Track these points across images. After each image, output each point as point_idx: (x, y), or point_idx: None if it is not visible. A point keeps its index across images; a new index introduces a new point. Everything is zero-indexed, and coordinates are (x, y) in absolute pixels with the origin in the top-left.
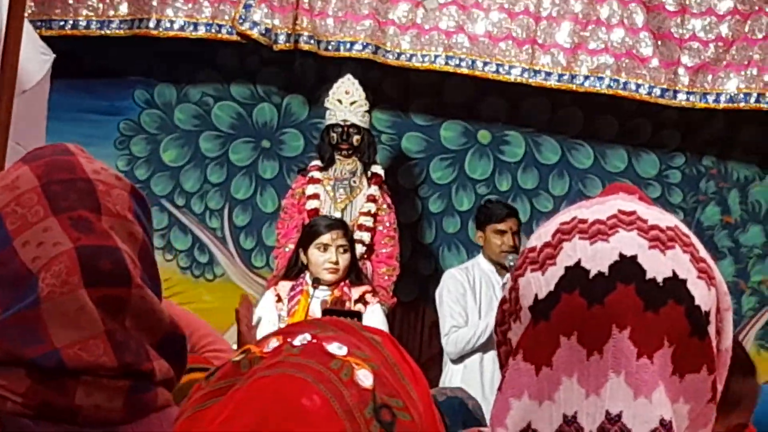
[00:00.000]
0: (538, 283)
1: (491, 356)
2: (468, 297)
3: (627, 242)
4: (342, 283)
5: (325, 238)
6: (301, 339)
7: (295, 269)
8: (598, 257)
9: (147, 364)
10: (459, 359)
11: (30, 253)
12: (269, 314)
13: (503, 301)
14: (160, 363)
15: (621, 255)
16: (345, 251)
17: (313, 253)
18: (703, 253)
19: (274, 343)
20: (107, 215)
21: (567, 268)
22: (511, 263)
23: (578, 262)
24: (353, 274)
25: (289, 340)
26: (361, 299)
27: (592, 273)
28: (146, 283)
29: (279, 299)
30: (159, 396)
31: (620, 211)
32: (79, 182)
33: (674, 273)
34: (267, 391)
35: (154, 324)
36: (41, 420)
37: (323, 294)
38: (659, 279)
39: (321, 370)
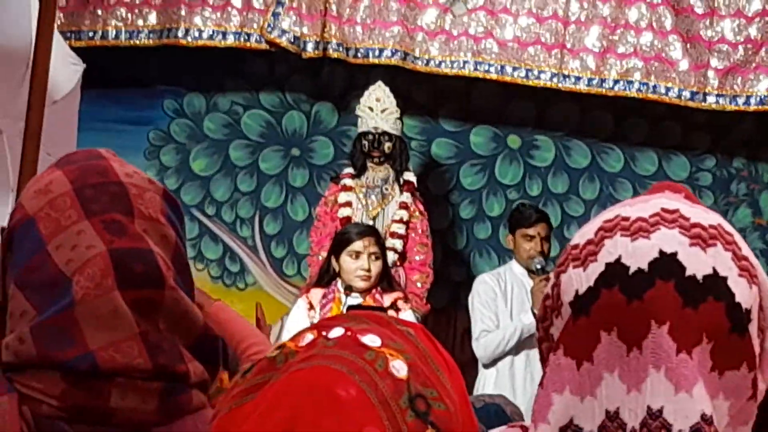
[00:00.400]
0: (579, 279)
1: (522, 358)
2: (499, 301)
3: (668, 239)
4: (374, 290)
5: (357, 245)
6: (335, 332)
7: (326, 276)
8: (638, 254)
9: (181, 366)
10: (491, 363)
11: (64, 257)
12: (301, 322)
13: (546, 297)
14: (195, 365)
15: (661, 252)
16: (377, 258)
17: (345, 261)
18: (746, 251)
19: (309, 337)
20: (140, 218)
21: (607, 265)
22: (537, 266)
23: (618, 259)
24: (385, 281)
25: (323, 333)
26: (393, 306)
27: (632, 269)
28: (179, 285)
29: (311, 307)
30: (194, 398)
31: (663, 209)
32: (112, 186)
33: (714, 270)
34: (302, 382)
35: (187, 326)
36: (76, 422)
37: (355, 301)
38: (699, 276)
39: (356, 361)
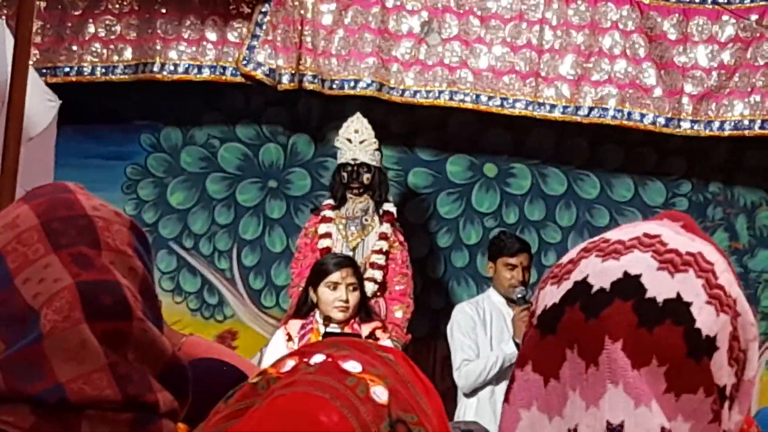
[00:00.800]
0: (551, 296)
1: (503, 388)
2: (479, 330)
3: (636, 262)
4: (352, 321)
5: (335, 276)
6: (316, 358)
7: (305, 308)
8: (604, 274)
9: (151, 396)
10: (472, 393)
11: (31, 290)
12: (280, 353)
13: (531, 314)
14: (164, 394)
15: (625, 273)
16: (354, 289)
17: (323, 292)
18: (725, 280)
19: (290, 363)
20: (107, 250)
21: (575, 283)
22: (519, 296)
23: (585, 278)
24: (363, 311)
25: (305, 359)
26: (372, 335)
27: (595, 288)
28: (147, 317)
29: (290, 338)
30: (164, 428)
31: (645, 234)
32: (79, 219)
33: (678, 295)
34: (284, 409)
35: (156, 356)
36: None
37: (334, 332)
38: (659, 299)
39: (337, 387)
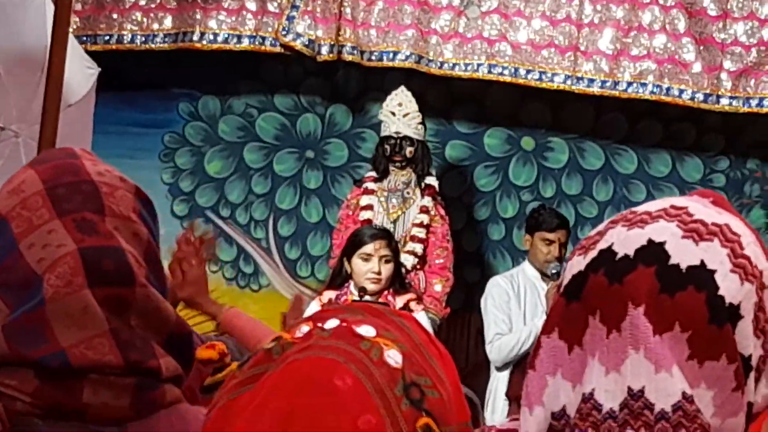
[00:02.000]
0: (577, 265)
1: None
2: (512, 304)
3: (660, 230)
4: (386, 292)
5: (368, 248)
6: (330, 323)
7: (339, 278)
8: (628, 241)
9: (153, 362)
10: (504, 366)
11: (35, 255)
12: None
13: (558, 287)
14: (167, 360)
15: (650, 240)
16: (387, 261)
17: (356, 263)
18: (752, 251)
19: (304, 328)
20: (111, 216)
21: (600, 251)
22: (553, 271)
23: (610, 246)
24: (397, 282)
25: (319, 324)
26: (406, 307)
27: (619, 255)
28: (151, 283)
29: None
30: (167, 393)
31: (672, 206)
32: (83, 184)
33: (702, 262)
34: (299, 373)
35: (159, 322)
36: (51, 419)
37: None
38: (683, 265)
39: (351, 351)
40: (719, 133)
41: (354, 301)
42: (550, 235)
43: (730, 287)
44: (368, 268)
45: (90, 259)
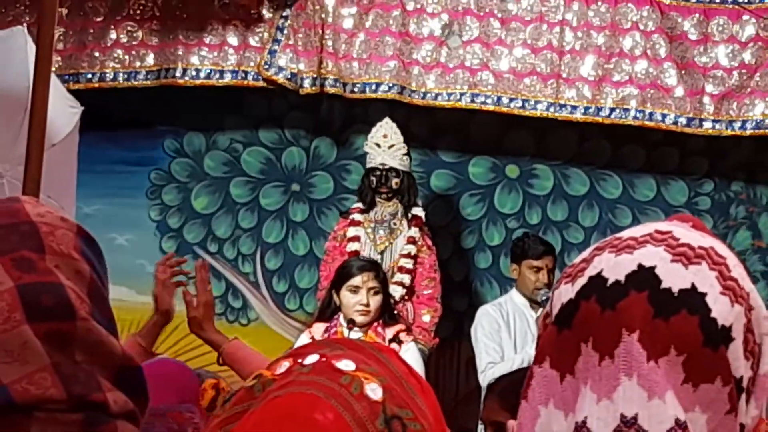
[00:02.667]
0: (567, 293)
1: None
2: (503, 332)
3: (650, 255)
4: (376, 324)
5: (357, 280)
6: (310, 358)
7: (328, 311)
8: (618, 267)
9: (98, 395)
10: None
11: None
12: None
13: (545, 315)
14: (115, 394)
15: (640, 265)
16: (376, 293)
17: (345, 295)
18: (738, 274)
19: (285, 365)
20: (51, 254)
21: (590, 278)
22: (543, 298)
23: (600, 272)
24: (386, 314)
25: (299, 360)
26: (395, 338)
27: (610, 281)
28: (96, 319)
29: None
30: (119, 428)
31: (656, 231)
32: (22, 225)
33: (693, 285)
34: (280, 410)
35: (105, 356)
36: None
37: (357, 335)
38: (675, 289)
39: (331, 386)
40: (703, 157)
41: (343, 333)
42: (537, 263)
43: (721, 310)
44: (357, 300)
45: (28, 295)
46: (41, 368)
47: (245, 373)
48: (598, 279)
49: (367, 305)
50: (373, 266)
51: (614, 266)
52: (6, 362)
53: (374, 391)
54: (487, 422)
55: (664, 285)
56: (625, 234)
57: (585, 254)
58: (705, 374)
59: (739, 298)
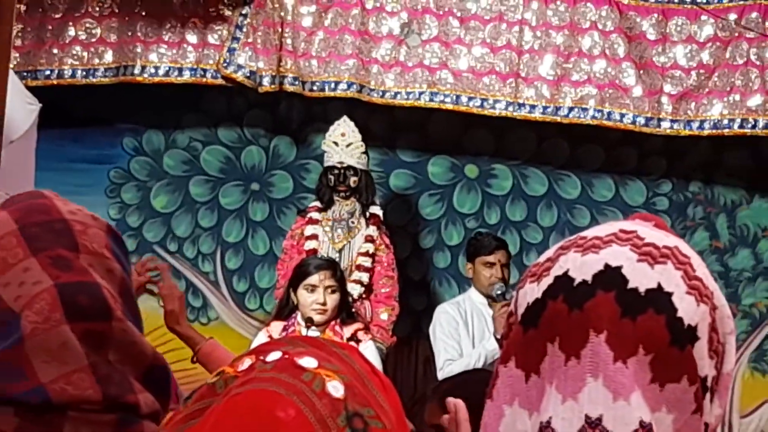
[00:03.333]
0: (532, 293)
1: None
2: (461, 330)
3: (615, 254)
4: (333, 322)
5: (313, 278)
6: (272, 355)
7: (286, 310)
8: (585, 267)
9: (131, 397)
10: None
11: (12, 293)
12: None
13: (509, 315)
14: (145, 396)
15: (606, 265)
16: (333, 291)
17: (302, 294)
18: (702, 273)
19: (247, 361)
20: (85, 253)
21: (556, 278)
22: (498, 292)
23: (566, 272)
24: (344, 312)
25: (261, 357)
26: (353, 337)
27: (577, 281)
28: (127, 317)
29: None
30: (145, 429)
31: (621, 230)
32: (56, 223)
33: (659, 285)
34: (241, 406)
35: (137, 356)
36: None
37: (315, 334)
38: (641, 289)
39: (293, 383)
40: (661, 156)
41: (301, 332)
42: (490, 258)
43: (687, 309)
44: (313, 299)
45: (67, 294)
46: (79, 369)
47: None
48: (565, 279)
49: (324, 304)
50: (330, 265)
51: (581, 266)
52: (45, 361)
53: (336, 388)
54: (429, 425)
55: (630, 285)
56: (589, 233)
57: (549, 253)
58: (672, 374)
59: (704, 298)
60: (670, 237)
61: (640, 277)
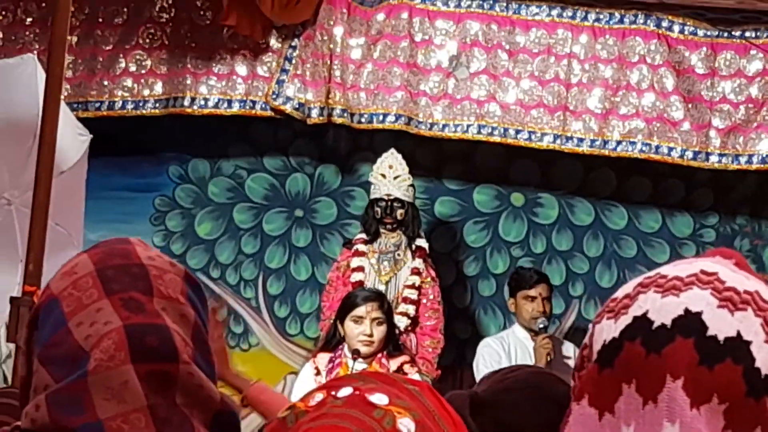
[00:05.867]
0: (609, 330)
1: None
2: (504, 364)
3: (696, 299)
4: (380, 355)
5: (360, 310)
6: (344, 391)
7: (333, 341)
8: (664, 310)
9: None
10: None
11: (83, 333)
12: (309, 387)
13: (583, 347)
14: None
15: (686, 310)
16: (380, 324)
17: (348, 326)
18: None
19: (318, 396)
20: (159, 297)
21: (635, 318)
22: (540, 326)
23: (645, 313)
24: (391, 345)
25: (332, 393)
26: (399, 370)
27: (656, 324)
28: (197, 362)
29: (318, 372)
30: None
31: (702, 271)
32: (133, 267)
33: (738, 333)
34: None
35: (204, 401)
36: None
37: (361, 366)
38: (720, 337)
39: (364, 420)
40: (708, 189)
41: (348, 363)
42: (531, 292)
43: (765, 358)
44: (360, 330)
45: (134, 335)
46: (137, 409)
47: (270, 415)
48: (644, 320)
49: (371, 335)
50: (377, 297)
51: (660, 308)
52: (106, 398)
53: (407, 425)
54: None
55: (710, 332)
56: (670, 272)
57: (628, 289)
58: (746, 424)
59: None
60: (751, 280)
61: (720, 324)
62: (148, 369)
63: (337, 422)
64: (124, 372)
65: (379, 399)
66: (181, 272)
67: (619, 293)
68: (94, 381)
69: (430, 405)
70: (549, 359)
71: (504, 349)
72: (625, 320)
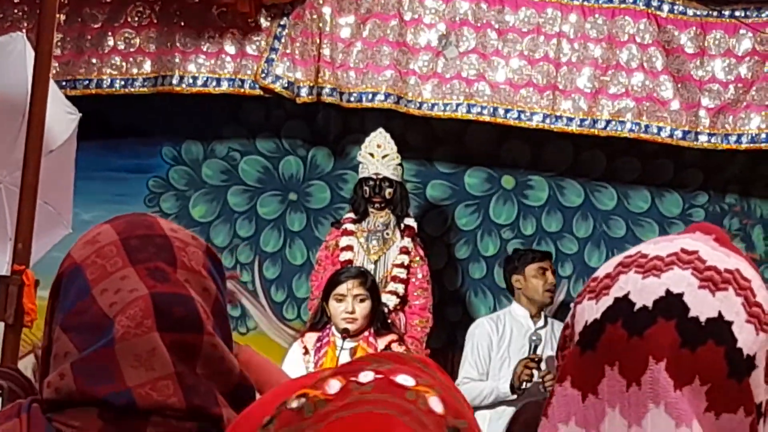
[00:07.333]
0: (590, 311)
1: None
2: (494, 347)
3: (677, 279)
4: (367, 333)
5: (342, 288)
6: (365, 376)
7: (320, 321)
8: (645, 291)
9: (216, 409)
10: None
11: (108, 300)
12: (297, 366)
13: (565, 327)
14: (229, 411)
15: (668, 291)
16: (362, 300)
17: (332, 305)
18: (762, 297)
19: (335, 384)
20: (182, 269)
21: (616, 299)
22: (534, 338)
23: (626, 295)
24: (378, 323)
25: (352, 378)
26: (387, 348)
27: (637, 306)
28: (218, 334)
29: (306, 351)
30: None
31: (682, 250)
32: (157, 238)
33: (720, 314)
34: (354, 431)
35: (224, 373)
36: None
37: (350, 345)
38: (702, 318)
39: (401, 404)
40: (697, 169)
41: (336, 342)
42: (543, 263)
43: (746, 339)
44: (342, 308)
45: (161, 303)
46: (165, 376)
47: (262, 382)
48: (625, 302)
49: (353, 312)
50: (359, 274)
51: (641, 290)
52: (133, 366)
53: (436, 404)
54: None
55: (691, 313)
56: (650, 251)
57: (609, 269)
58: (728, 404)
59: (763, 325)
60: (732, 257)
61: (701, 305)
62: (172, 338)
63: (373, 408)
64: (152, 339)
65: (405, 380)
66: (203, 246)
67: (600, 272)
68: (122, 348)
69: (442, 380)
70: (525, 386)
71: (497, 331)
72: (606, 301)
